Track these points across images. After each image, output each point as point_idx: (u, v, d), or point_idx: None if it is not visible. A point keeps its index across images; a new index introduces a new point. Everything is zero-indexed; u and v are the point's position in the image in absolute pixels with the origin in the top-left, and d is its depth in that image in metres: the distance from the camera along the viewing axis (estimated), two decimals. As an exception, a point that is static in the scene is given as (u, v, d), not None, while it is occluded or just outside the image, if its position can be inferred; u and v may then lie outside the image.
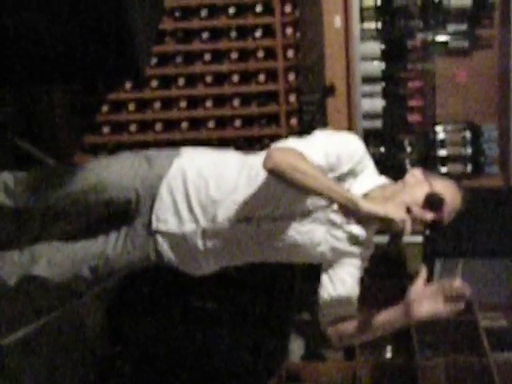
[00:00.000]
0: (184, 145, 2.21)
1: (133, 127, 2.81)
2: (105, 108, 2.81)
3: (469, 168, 3.10)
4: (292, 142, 1.79)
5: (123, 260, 1.98)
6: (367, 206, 1.56)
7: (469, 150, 3.09)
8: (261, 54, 2.75)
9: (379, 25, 2.98)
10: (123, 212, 1.98)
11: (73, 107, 2.88)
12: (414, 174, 1.76)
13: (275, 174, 1.65)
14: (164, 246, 1.92)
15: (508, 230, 2.85)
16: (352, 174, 1.81)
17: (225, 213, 1.84)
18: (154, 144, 2.73)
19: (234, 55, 2.79)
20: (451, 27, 2.98)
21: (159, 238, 1.90)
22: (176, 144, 2.58)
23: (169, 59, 2.86)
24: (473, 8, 2.92)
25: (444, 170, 3.11)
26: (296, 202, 1.81)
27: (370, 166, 1.86)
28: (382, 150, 3.09)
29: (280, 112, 2.82)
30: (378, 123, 3.08)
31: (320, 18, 2.85)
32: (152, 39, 2.45)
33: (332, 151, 1.74)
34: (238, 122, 2.83)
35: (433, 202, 1.70)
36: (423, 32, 2.99)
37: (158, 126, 2.80)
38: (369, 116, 3.04)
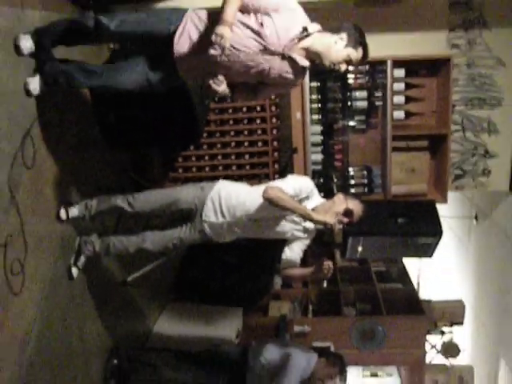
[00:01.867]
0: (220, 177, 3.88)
1: (194, 169, 4.51)
2: (180, 159, 4.52)
3: (366, 190, 4.57)
4: (277, 182, 2.99)
5: (189, 239, 3.11)
6: (316, 216, 2.75)
7: (365, 180, 4.57)
8: (259, 131, 4.42)
9: (320, 116, 4.47)
10: (189, 214, 3.09)
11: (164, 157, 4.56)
12: (339, 197, 3.00)
13: (268, 201, 2.80)
14: (207, 229, 3.06)
15: (384, 220, 4.06)
16: (307, 198, 2.98)
17: (239, 214, 3.00)
18: (205, 177, 4.31)
19: (246, 133, 4.42)
20: (356, 117, 4.51)
21: (205, 225, 3.06)
22: (216, 177, 4.44)
23: (212, 134, 4.49)
24: (367, 108, 4.47)
25: (353, 190, 4.54)
26: (277, 213, 2.92)
27: (315, 192, 3.05)
28: (321, 180, 4.52)
29: (269, 161, 4.47)
30: (319, 167, 4.52)
31: (289, 113, 4.34)
32: (204, 124, 4.27)
33: (297, 186, 2.93)
34: (247, 167, 4.48)
35: (348, 213, 2.93)
36: (343, 120, 4.49)
37: (207, 168, 4.50)
38: (314, 163, 4.49)
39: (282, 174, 4.38)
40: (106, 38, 2.93)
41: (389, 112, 4.39)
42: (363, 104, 4.55)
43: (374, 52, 3.99)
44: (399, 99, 4.56)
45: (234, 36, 2.49)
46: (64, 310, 3.19)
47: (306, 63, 2.64)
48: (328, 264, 2.89)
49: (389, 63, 4.30)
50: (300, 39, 2.59)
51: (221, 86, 2.61)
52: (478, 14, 4.42)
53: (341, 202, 2.97)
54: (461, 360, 6.46)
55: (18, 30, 2.75)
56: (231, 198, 3.01)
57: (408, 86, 4.59)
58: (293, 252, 3.13)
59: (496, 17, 4.38)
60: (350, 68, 4.11)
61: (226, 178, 4.25)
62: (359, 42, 2.60)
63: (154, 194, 3.16)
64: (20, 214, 2.72)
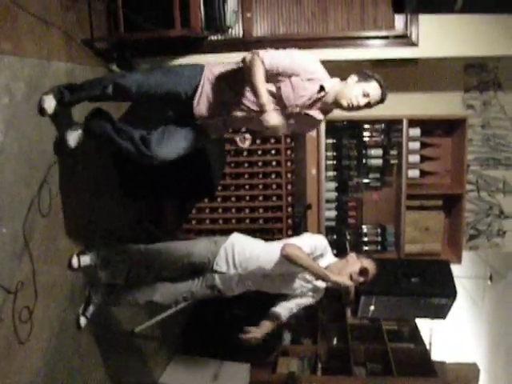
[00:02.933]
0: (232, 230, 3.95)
1: (207, 221, 4.54)
2: (194, 210, 4.54)
3: (379, 247, 4.58)
4: (293, 240, 2.92)
5: (200, 293, 3.06)
6: (333, 277, 2.71)
7: (379, 238, 4.58)
8: (274, 186, 4.48)
9: (335, 173, 4.51)
10: (201, 268, 3.03)
11: (178, 208, 4.60)
12: (352, 256, 2.94)
13: (286, 258, 2.77)
14: (218, 280, 2.99)
15: (398, 280, 4.03)
16: (321, 255, 2.93)
17: (252, 268, 2.94)
18: (218, 230, 4.40)
19: (260, 187, 4.44)
20: (371, 175, 4.57)
21: (216, 276, 2.98)
22: (229, 230, 4.46)
23: (227, 187, 4.53)
24: (382, 166, 4.54)
25: (366, 248, 4.57)
26: (290, 270, 2.89)
27: (329, 250, 3.00)
28: (335, 237, 4.55)
29: (282, 216, 4.51)
30: (333, 223, 4.55)
31: (304, 169, 4.39)
32: (220, 177, 4.29)
33: (312, 244, 2.89)
34: (261, 221, 4.51)
35: (363, 272, 2.85)
36: (357, 177, 4.53)
37: (220, 221, 4.52)
38: (328, 220, 4.51)
39: (296, 229, 4.38)
40: (127, 99, 3.02)
41: (404, 170, 4.41)
42: (378, 162, 4.61)
43: (390, 111, 4.13)
44: (414, 158, 4.58)
45: (251, 97, 2.58)
46: (70, 360, 3.14)
47: (321, 117, 2.72)
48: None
49: (404, 122, 4.34)
50: (317, 98, 2.65)
51: (245, 143, 2.74)
52: (493, 77, 4.50)
53: (354, 262, 2.92)
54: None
55: (44, 81, 2.83)
56: (245, 251, 2.99)
57: (423, 145, 4.62)
58: (285, 309, 3.07)
59: (510, 79, 4.45)
60: (367, 126, 4.32)
61: (239, 231, 4.32)
62: (370, 75, 2.59)
63: (168, 247, 3.13)
64: (32, 262, 2.71)
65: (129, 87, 2.71)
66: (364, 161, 4.57)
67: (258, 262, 2.96)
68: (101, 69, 3.60)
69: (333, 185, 4.60)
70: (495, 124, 4.56)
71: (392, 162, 4.57)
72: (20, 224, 2.61)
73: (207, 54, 3.76)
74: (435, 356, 5.83)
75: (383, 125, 4.50)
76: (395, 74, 4.35)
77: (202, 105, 2.67)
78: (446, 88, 4.49)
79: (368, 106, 2.61)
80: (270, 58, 2.51)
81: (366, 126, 4.52)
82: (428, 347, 5.74)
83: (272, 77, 2.56)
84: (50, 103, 2.81)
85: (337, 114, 2.82)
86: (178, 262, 3.05)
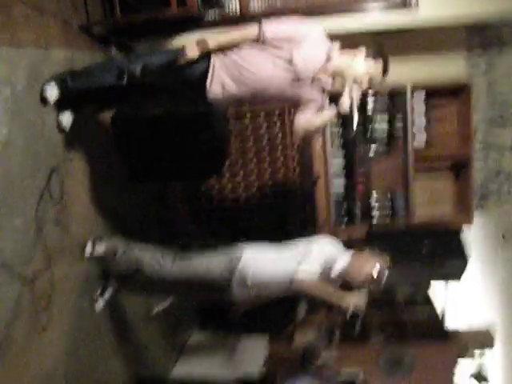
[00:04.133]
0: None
1: (217, 198, 4.59)
2: (202, 189, 4.59)
3: (390, 213, 4.55)
4: (303, 266, 2.85)
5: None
6: (345, 302, 2.76)
7: (389, 205, 4.55)
8: (281, 160, 4.50)
9: (341, 142, 4.52)
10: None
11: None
12: (366, 258, 2.89)
13: (299, 291, 2.88)
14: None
15: (410, 246, 4.17)
16: (334, 261, 2.92)
17: (267, 290, 3.00)
18: (228, 208, 4.52)
19: (268, 161, 4.53)
20: (378, 142, 4.52)
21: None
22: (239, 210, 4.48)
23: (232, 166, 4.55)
24: (388, 132, 4.49)
25: (376, 215, 4.54)
26: None
27: (340, 251, 2.99)
28: (345, 205, 4.55)
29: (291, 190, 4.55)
30: (342, 193, 4.55)
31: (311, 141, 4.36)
32: (226, 156, 4.27)
33: (323, 260, 2.89)
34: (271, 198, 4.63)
35: (379, 273, 2.84)
36: (364, 145, 4.47)
37: (229, 197, 4.60)
38: (337, 190, 4.52)
39: (305, 202, 4.36)
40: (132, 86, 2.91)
41: (410, 135, 4.39)
42: (384, 129, 4.57)
43: (394, 77, 4.07)
44: (420, 122, 4.55)
45: (266, 70, 2.64)
46: (90, 345, 3.19)
47: (330, 83, 2.73)
48: (362, 300, 2.86)
49: (408, 88, 4.29)
50: (326, 64, 2.69)
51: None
52: (497, 35, 4.42)
53: (370, 262, 2.91)
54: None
55: (43, 69, 2.82)
56: (260, 273, 3.00)
57: (429, 109, 4.57)
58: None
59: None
60: (371, 91, 4.28)
61: (249, 207, 4.47)
62: (378, 52, 2.66)
63: (187, 262, 3.12)
64: (47, 250, 2.74)
65: (132, 70, 2.72)
66: (370, 127, 4.54)
67: (273, 284, 3.00)
68: (100, 54, 3.58)
69: (340, 155, 4.61)
70: (501, 81, 4.48)
71: (398, 127, 4.51)
72: (32, 214, 2.64)
73: (205, 31, 3.70)
74: (450, 321, 5.82)
75: (387, 92, 4.42)
76: (397, 40, 4.26)
77: (215, 90, 2.71)
78: (449, 50, 4.43)
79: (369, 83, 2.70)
80: (274, 25, 2.61)
81: (371, 93, 4.45)
82: (443, 312, 5.75)
83: (281, 44, 2.62)
84: (52, 92, 2.80)
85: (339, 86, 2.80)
86: (193, 280, 3.08)
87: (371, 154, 4.59)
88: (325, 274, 2.91)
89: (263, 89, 2.69)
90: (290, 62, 2.62)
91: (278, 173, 4.50)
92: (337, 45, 2.72)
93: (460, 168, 4.64)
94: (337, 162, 4.59)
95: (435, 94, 4.55)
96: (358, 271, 2.85)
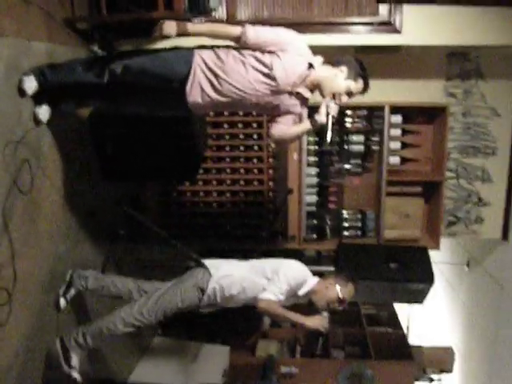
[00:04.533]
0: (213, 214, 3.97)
1: (188, 204, 4.54)
2: (174, 194, 4.55)
3: (359, 233, 4.62)
4: (269, 290, 2.90)
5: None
6: (308, 324, 2.87)
7: (359, 223, 4.62)
8: (255, 171, 4.46)
9: (316, 158, 4.52)
10: None
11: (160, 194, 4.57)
12: (331, 282, 3.02)
13: (261, 312, 2.92)
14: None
15: (377, 265, 4.20)
16: (302, 283, 3.04)
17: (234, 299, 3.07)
18: (199, 214, 4.51)
19: (242, 171, 4.44)
20: (352, 161, 4.58)
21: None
22: (210, 214, 4.47)
23: (208, 170, 4.47)
24: (364, 152, 4.55)
25: (346, 233, 4.60)
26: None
27: (308, 274, 3.09)
28: (315, 222, 4.56)
29: (264, 201, 4.51)
30: (313, 208, 4.57)
31: (286, 154, 4.40)
32: (200, 160, 4.26)
33: (291, 282, 2.96)
34: (242, 206, 4.50)
35: (340, 301, 3.01)
36: (338, 163, 4.55)
37: (201, 204, 4.53)
38: (309, 205, 4.54)
39: (276, 214, 4.38)
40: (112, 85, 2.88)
41: (385, 157, 4.45)
42: (359, 148, 4.61)
43: (372, 97, 4.12)
44: (395, 145, 4.62)
45: (245, 81, 2.64)
46: (48, 343, 3.13)
47: (309, 95, 2.76)
48: (325, 321, 2.93)
49: (386, 109, 4.36)
50: (307, 75, 2.71)
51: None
52: (475, 66, 4.54)
53: (333, 288, 3.03)
54: (449, 409, 6.37)
55: (23, 61, 2.80)
56: (230, 291, 3.07)
57: (404, 132, 4.66)
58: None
59: (491, 68, 4.51)
60: (349, 112, 4.34)
61: (220, 215, 4.45)
62: (359, 74, 2.69)
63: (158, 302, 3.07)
64: (12, 243, 2.70)
65: (113, 69, 2.71)
66: (346, 146, 4.59)
67: (240, 299, 3.09)
68: (82, 50, 3.56)
69: (314, 170, 4.61)
70: (476, 112, 4.60)
71: (373, 148, 4.59)
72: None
73: (190, 37, 3.69)
74: (412, 340, 5.92)
75: (365, 111, 4.50)
76: (378, 61, 4.35)
77: (195, 95, 2.70)
78: (428, 76, 4.52)
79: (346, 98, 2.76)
80: (256, 30, 2.61)
81: (349, 112, 4.52)
82: (405, 331, 5.84)
83: (262, 51, 2.64)
84: (30, 84, 2.77)
85: (318, 99, 2.83)
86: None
87: (345, 171, 4.65)
88: (292, 292, 3.00)
89: (241, 98, 2.71)
90: (270, 69, 2.62)
91: (251, 183, 4.49)
92: (320, 58, 2.74)
93: (431, 193, 4.71)
94: (311, 177, 4.61)
95: (411, 119, 4.63)
96: (322, 297, 3.00)
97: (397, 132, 4.60)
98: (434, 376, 6.01)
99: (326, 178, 4.61)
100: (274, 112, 2.84)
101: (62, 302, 3.23)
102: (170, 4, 3.27)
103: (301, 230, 4.56)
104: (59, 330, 3.25)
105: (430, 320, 7.44)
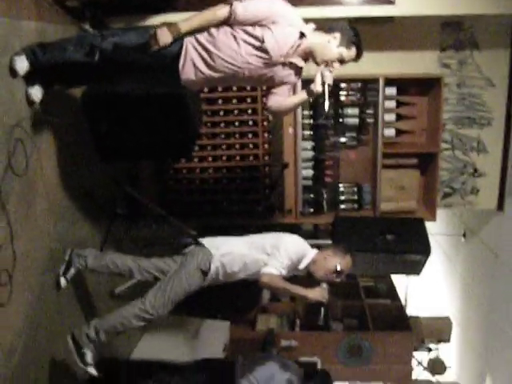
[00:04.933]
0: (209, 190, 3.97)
1: (184, 181, 4.57)
2: (171, 171, 4.56)
3: (356, 206, 4.67)
4: (271, 265, 2.95)
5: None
6: (310, 295, 2.91)
7: (355, 196, 4.65)
8: (250, 146, 4.48)
9: (311, 132, 4.53)
10: None
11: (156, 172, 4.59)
12: (329, 253, 3.08)
13: (263, 286, 2.98)
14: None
15: (373, 237, 4.15)
16: (302, 256, 3.10)
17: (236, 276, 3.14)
18: (195, 190, 4.55)
19: (237, 147, 4.45)
20: (348, 134, 4.59)
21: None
22: (207, 191, 4.48)
23: (203, 147, 4.49)
24: (358, 124, 4.56)
25: (343, 206, 4.64)
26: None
27: (307, 248, 3.14)
28: (312, 196, 4.60)
29: (260, 176, 4.53)
30: (309, 182, 4.60)
31: (281, 128, 4.42)
32: (196, 136, 4.27)
33: (292, 256, 3.02)
34: (238, 181, 4.54)
35: (338, 272, 3.04)
36: (333, 136, 4.57)
37: (197, 181, 4.56)
38: (305, 179, 4.56)
39: (273, 188, 4.39)
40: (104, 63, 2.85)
41: (380, 129, 4.43)
42: (354, 121, 4.61)
43: (366, 70, 4.13)
44: (390, 117, 4.61)
45: (238, 56, 2.63)
46: (51, 322, 3.16)
47: (302, 64, 2.75)
48: (325, 292, 2.98)
49: (381, 81, 4.34)
50: (299, 44, 2.69)
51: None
52: (469, 36, 4.50)
53: (331, 259, 3.08)
54: (447, 377, 6.47)
55: (14, 41, 2.77)
56: (231, 267, 3.12)
57: (399, 104, 4.65)
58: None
59: (486, 38, 4.48)
60: (343, 85, 4.33)
61: (217, 192, 4.45)
62: (352, 41, 2.67)
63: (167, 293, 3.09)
64: (10, 224, 2.70)
65: (99, 46, 2.69)
66: (340, 120, 4.58)
67: (243, 272, 3.14)
68: (73, 28, 3.52)
69: (310, 144, 4.61)
70: (471, 83, 4.59)
71: (368, 120, 4.58)
72: (-5, 187, 2.59)
73: (182, 12, 3.66)
74: (410, 311, 5.97)
75: (359, 83, 4.49)
76: (372, 33, 4.33)
77: (188, 71, 2.69)
78: (423, 47, 4.49)
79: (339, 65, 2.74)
80: (245, 6, 2.58)
81: (343, 85, 4.51)
82: (403, 303, 5.89)
83: (252, 25, 2.62)
84: (22, 64, 2.74)
85: (312, 72, 2.82)
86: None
87: (340, 145, 4.65)
88: (293, 266, 3.05)
89: (235, 72, 2.70)
90: (262, 42, 2.61)
91: (247, 158, 4.49)
92: (312, 25, 2.73)
93: (426, 165, 4.72)
94: (306, 151, 4.60)
95: (406, 90, 4.63)
96: (320, 268, 3.05)
97: (391, 104, 4.58)
98: (432, 346, 6.09)
99: (322, 151, 4.63)
100: (268, 84, 2.85)
101: (63, 281, 3.24)
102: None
103: (297, 204, 4.58)
104: (61, 310, 3.26)
105: (428, 291, 7.51)
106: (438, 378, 6.27)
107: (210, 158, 4.52)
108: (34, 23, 3.02)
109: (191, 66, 2.67)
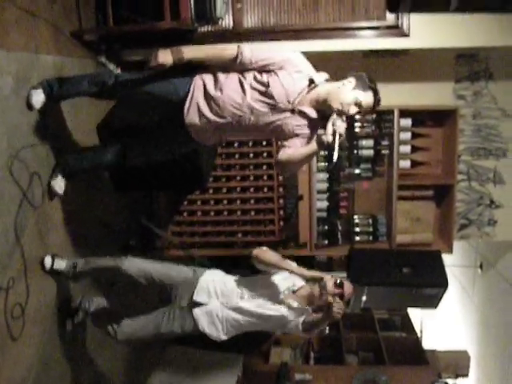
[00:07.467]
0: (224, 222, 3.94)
1: (199, 213, 4.56)
2: (185, 202, 4.56)
3: (371, 238, 4.59)
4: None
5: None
6: (307, 272, 2.79)
7: (370, 228, 4.59)
8: (265, 177, 4.48)
9: (326, 164, 4.50)
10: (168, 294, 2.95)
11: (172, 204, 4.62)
12: (327, 278, 2.81)
13: (255, 259, 2.83)
14: (198, 313, 2.90)
15: (389, 270, 4.12)
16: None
17: (232, 300, 2.89)
18: (209, 222, 4.53)
19: (251, 178, 4.46)
20: (363, 165, 4.55)
21: (196, 310, 2.90)
22: (220, 223, 4.47)
23: (218, 178, 4.50)
24: (373, 156, 4.53)
25: (358, 238, 4.57)
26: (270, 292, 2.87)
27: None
28: (326, 228, 4.57)
29: (274, 208, 4.53)
30: (324, 214, 4.58)
31: None
32: (211, 170, 4.28)
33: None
34: (252, 213, 4.53)
35: (338, 284, 2.77)
36: (349, 168, 4.53)
37: (212, 213, 4.55)
38: (320, 210, 4.54)
39: (287, 221, 4.37)
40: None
41: (395, 161, 4.42)
42: (369, 152, 4.59)
43: (382, 101, 4.11)
44: (405, 148, 4.58)
45: (243, 101, 2.57)
46: (63, 355, 3.15)
47: (314, 115, 2.59)
48: (340, 305, 2.72)
49: (396, 112, 4.34)
50: (308, 91, 2.59)
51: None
52: (484, 67, 4.50)
53: (329, 279, 2.84)
54: (465, 413, 6.32)
55: (32, 74, 2.81)
56: (225, 283, 2.98)
57: (414, 136, 4.62)
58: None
59: (501, 69, 4.47)
60: (358, 116, 4.32)
61: (230, 222, 4.48)
62: (368, 86, 2.51)
63: (147, 263, 3.00)
64: (24, 258, 2.70)
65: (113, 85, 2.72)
66: (355, 151, 4.56)
67: (238, 290, 2.93)
68: (89, 61, 3.57)
69: (324, 175, 4.60)
70: (486, 114, 4.56)
71: (383, 152, 4.57)
72: (11, 220, 2.60)
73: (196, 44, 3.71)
74: (426, 344, 5.87)
75: (374, 115, 4.47)
76: (386, 64, 4.35)
77: (192, 115, 2.65)
78: (437, 78, 4.48)
79: (358, 113, 2.58)
80: (253, 48, 2.55)
81: (357, 117, 4.49)
82: (419, 335, 5.80)
83: (257, 72, 2.58)
84: (37, 98, 2.78)
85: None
86: (154, 280, 2.94)
87: (355, 176, 4.62)
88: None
89: (239, 118, 2.62)
90: (267, 87, 2.55)
91: (261, 190, 4.50)
92: (325, 75, 2.62)
93: (442, 196, 4.68)
94: (321, 183, 4.59)
95: (421, 122, 4.61)
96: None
97: (407, 135, 4.57)
98: (449, 381, 5.95)
99: (337, 183, 4.61)
100: (278, 135, 2.73)
101: (69, 325, 3.20)
102: (176, 14, 3.27)
103: (312, 236, 4.55)
104: (73, 344, 3.25)
105: (444, 324, 7.38)
106: (456, 414, 6.12)
107: (225, 190, 4.52)
108: (52, 57, 3.07)
109: (196, 110, 2.64)
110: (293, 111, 2.60)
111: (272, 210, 4.55)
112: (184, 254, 4.23)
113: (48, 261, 2.95)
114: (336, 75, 2.69)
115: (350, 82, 2.55)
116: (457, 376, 5.88)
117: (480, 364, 6.11)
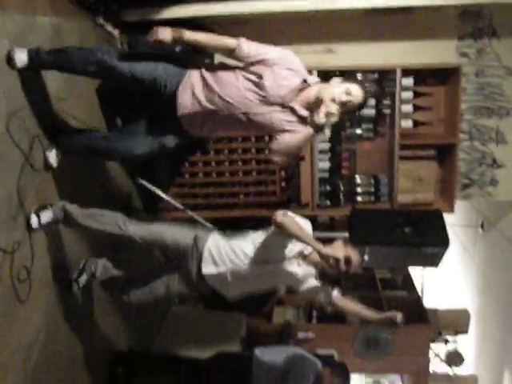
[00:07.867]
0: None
1: (200, 174, 4.54)
2: (187, 164, 4.52)
3: (372, 198, 4.60)
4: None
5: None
6: (324, 250, 2.65)
7: (372, 188, 4.58)
8: (266, 138, 4.31)
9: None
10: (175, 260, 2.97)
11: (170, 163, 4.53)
12: (338, 243, 2.79)
13: (278, 227, 2.68)
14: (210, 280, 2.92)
15: (391, 230, 4.09)
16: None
17: (240, 261, 2.87)
18: (211, 183, 4.52)
19: (253, 138, 4.42)
20: (364, 125, 4.52)
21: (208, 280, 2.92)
22: (223, 184, 4.47)
23: (219, 140, 4.42)
24: (375, 116, 4.48)
25: (359, 198, 4.57)
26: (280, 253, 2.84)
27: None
28: (328, 188, 4.57)
29: (275, 168, 4.48)
30: (326, 175, 4.56)
31: None
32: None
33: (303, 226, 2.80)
34: (254, 174, 4.49)
35: (347, 261, 2.70)
36: (350, 128, 4.51)
37: (214, 174, 4.52)
38: (321, 171, 4.53)
39: (289, 181, 4.36)
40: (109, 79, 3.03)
41: (397, 121, 4.38)
42: (371, 112, 4.52)
43: (383, 60, 4.08)
44: (407, 108, 4.54)
45: (236, 89, 2.60)
46: (70, 317, 3.18)
47: (305, 113, 2.63)
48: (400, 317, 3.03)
49: (398, 72, 4.29)
50: (300, 90, 2.64)
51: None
52: (488, 23, 4.42)
53: (339, 248, 2.78)
54: (465, 369, 6.44)
55: (29, 36, 2.77)
56: (231, 246, 2.93)
57: (416, 95, 4.58)
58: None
59: (505, 26, 4.40)
60: (360, 76, 4.26)
61: (232, 184, 4.50)
62: (356, 80, 2.78)
63: (148, 223, 3.01)
64: (28, 221, 2.71)
65: (115, 66, 2.66)
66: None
67: (246, 252, 2.90)
68: (88, 23, 3.52)
69: (326, 134, 4.51)
70: (489, 72, 4.51)
71: (385, 112, 4.52)
72: (14, 184, 2.60)
73: (194, 4, 3.66)
74: (427, 303, 5.94)
75: (376, 74, 4.42)
76: (388, 22, 4.28)
77: (185, 95, 2.65)
78: (440, 36, 4.42)
79: (348, 107, 2.60)
80: (250, 43, 2.60)
81: (359, 76, 4.44)
82: (420, 294, 5.86)
83: (252, 65, 2.62)
84: (19, 56, 2.64)
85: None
86: (156, 243, 2.97)
87: (357, 136, 4.60)
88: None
89: (231, 106, 2.63)
90: (260, 78, 2.59)
91: (262, 151, 4.46)
92: (316, 78, 2.76)
93: (444, 156, 4.66)
94: (322, 143, 4.57)
95: (423, 81, 4.56)
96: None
97: (408, 95, 4.52)
98: (449, 338, 6.06)
99: (338, 143, 4.59)
100: (268, 129, 2.73)
101: (75, 286, 3.18)
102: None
103: (314, 196, 4.55)
104: (80, 305, 3.30)
105: (445, 283, 7.46)
106: (455, 370, 6.24)
107: (226, 151, 4.50)
108: (49, 18, 3.02)
109: (190, 93, 2.65)
110: (283, 106, 2.64)
111: (273, 170, 4.52)
112: (185, 216, 4.23)
113: (34, 220, 2.81)
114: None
115: (335, 79, 2.67)
116: (456, 333, 5.97)
117: (480, 322, 6.20)
